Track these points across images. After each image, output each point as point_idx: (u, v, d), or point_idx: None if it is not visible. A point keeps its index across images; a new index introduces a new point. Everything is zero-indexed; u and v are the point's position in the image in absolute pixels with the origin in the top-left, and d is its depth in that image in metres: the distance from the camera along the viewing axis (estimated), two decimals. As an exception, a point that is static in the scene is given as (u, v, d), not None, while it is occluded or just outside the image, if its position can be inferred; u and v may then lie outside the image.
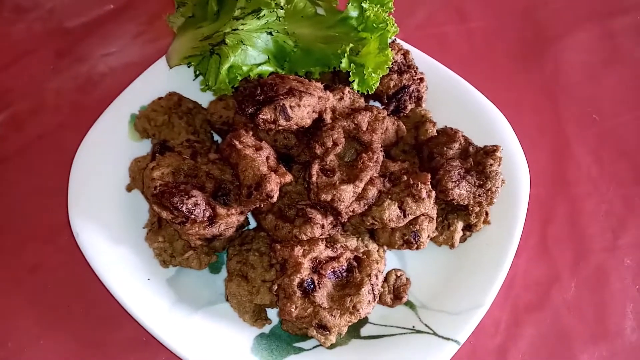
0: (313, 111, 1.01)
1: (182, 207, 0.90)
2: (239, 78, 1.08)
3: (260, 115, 0.95)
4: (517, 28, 1.48)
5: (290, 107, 0.96)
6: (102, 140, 1.10)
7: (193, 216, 0.91)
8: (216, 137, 1.18)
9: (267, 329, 1.04)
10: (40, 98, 1.33)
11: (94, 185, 1.07)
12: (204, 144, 1.12)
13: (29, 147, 1.28)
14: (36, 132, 1.29)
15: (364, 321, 1.05)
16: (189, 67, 1.19)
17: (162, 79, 1.17)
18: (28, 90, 1.33)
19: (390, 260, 1.12)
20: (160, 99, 1.14)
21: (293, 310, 0.89)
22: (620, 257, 1.25)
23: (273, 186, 0.90)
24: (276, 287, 0.93)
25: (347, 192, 0.95)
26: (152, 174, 0.93)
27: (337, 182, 0.96)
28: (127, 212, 1.08)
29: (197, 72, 1.19)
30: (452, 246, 1.09)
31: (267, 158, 0.96)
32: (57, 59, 1.37)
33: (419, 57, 1.22)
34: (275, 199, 0.92)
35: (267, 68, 1.11)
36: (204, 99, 1.18)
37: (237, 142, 0.94)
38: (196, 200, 0.92)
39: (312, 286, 0.90)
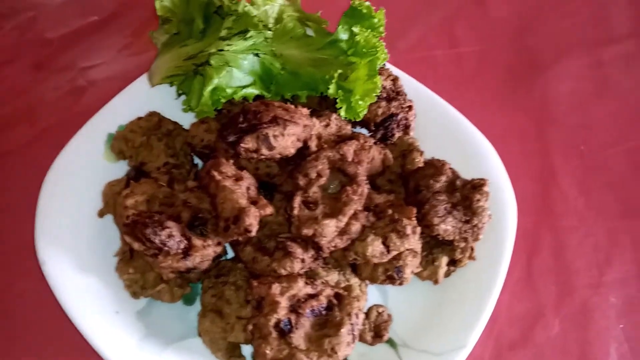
0: (297, 140, 0.98)
1: (155, 238, 0.86)
2: (223, 100, 1.04)
3: (242, 144, 0.91)
4: (507, 54, 1.47)
5: (274, 136, 0.93)
6: (76, 160, 1.05)
7: (167, 248, 0.87)
8: (196, 160, 1.14)
9: (241, 366, 1.00)
10: (16, 111, 1.27)
11: (65, 209, 1.02)
12: (184, 167, 1.08)
13: (0, 162, 1.22)
14: (8, 147, 1.23)
15: (342, 360, 1.02)
16: (171, 86, 1.15)
17: (142, 97, 1.12)
18: (3, 102, 1.27)
19: (372, 294, 1.08)
20: (139, 119, 1.09)
21: (268, 351, 0.86)
22: (605, 295, 1.23)
23: (252, 220, 0.87)
24: (251, 327, 0.90)
25: (330, 227, 0.92)
26: (125, 202, 0.89)
27: (320, 215, 0.93)
28: (99, 239, 1.03)
29: (180, 92, 1.15)
30: (436, 282, 1.07)
31: (248, 189, 0.93)
32: (35, 71, 1.31)
33: (408, 83, 1.19)
34: (254, 233, 0.88)
35: (253, 90, 1.07)
36: (186, 118, 1.13)
37: (216, 173, 0.91)
38: (170, 232, 0.87)
39: (289, 327, 0.86)
